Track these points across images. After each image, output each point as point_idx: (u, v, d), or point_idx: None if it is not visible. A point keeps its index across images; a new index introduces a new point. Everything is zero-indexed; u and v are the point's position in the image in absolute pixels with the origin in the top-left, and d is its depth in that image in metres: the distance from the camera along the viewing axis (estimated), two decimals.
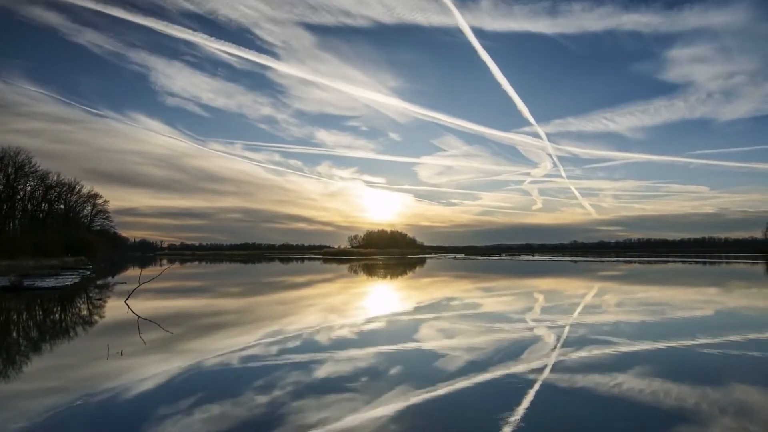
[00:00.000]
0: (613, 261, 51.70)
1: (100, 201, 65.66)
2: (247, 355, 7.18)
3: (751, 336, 8.38)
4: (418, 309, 12.40)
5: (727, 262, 44.10)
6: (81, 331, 9.70)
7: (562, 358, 6.87)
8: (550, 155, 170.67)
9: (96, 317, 11.65)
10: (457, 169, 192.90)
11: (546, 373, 6.10)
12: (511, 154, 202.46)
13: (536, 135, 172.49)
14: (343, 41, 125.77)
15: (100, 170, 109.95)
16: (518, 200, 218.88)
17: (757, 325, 9.66)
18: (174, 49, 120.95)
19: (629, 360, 6.74)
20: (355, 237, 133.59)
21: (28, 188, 52.02)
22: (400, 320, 10.62)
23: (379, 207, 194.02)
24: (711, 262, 44.13)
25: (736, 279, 23.12)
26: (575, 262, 51.09)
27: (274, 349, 7.67)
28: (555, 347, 7.57)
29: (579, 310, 11.76)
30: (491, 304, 13.44)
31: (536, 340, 8.24)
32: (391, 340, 8.31)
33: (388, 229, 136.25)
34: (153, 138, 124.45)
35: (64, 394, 5.27)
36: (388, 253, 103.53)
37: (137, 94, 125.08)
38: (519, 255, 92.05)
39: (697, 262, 44.08)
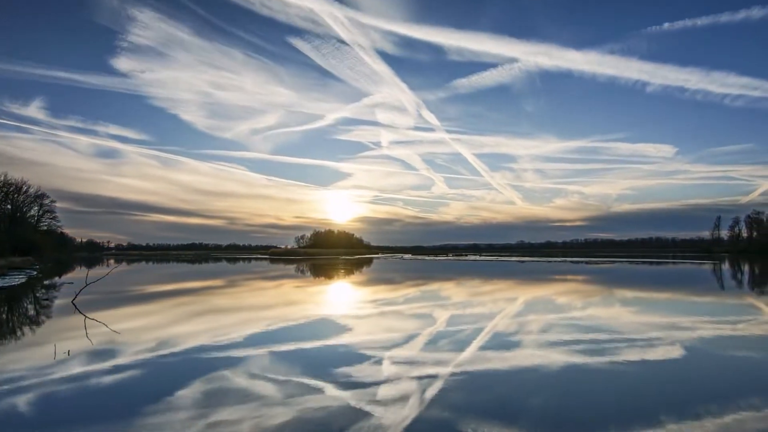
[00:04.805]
0: (560, 261, 49.21)
1: (47, 201, 63.78)
2: None
3: (750, 411, 4.56)
4: (247, 340, 8.11)
5: (673, 263, 42.36)
6: (28, 331, 9.17)
7: None
8: (370, 51, 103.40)
9: (43, 317, 11.03)
10: (236, 107, 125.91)
11: None
12: (286, 51, 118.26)
13: None
14: None
15: None
16: (409, 181, 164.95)
17: (747, 380, 5.94)
18: None
19: None
20: (302, 237, 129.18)
21: None
22: (190, 363, 6.26)
23: (223, 189, 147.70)
24: (659, 262, 42.19)
25: (693, 286, 20.22)
26: (522, 262, 48.33)
27: None
28: None
29: (479, 343, 7.76)
30: (366, 328, 9.35)
31: (357, 423, 4.10)
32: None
33: (335, 230, 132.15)
34: None
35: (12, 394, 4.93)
36: (335, 253, 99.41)
37: None
38: (466, 255, 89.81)
39: (644, 262, 42.02)
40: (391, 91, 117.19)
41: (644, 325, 9.05)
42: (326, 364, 6.28)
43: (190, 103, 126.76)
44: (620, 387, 5.25)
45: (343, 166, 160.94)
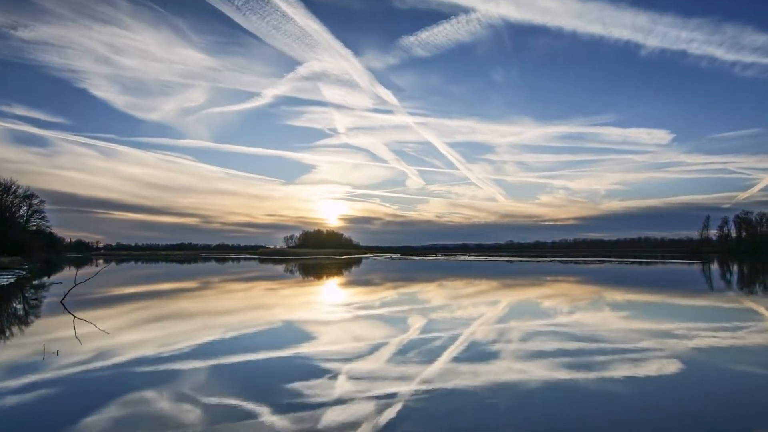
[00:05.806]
0: (549, 261, 48.63)
1: (35, 201, 63.19)
2: None
3: None
4: (194, 350, 7.22)
5: (663, 263, 41.94)
6: (17, 331, 9.02)
7: None
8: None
9: (32, 317, 10.86)
10: (152, 81, 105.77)
11: None
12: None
13: None
14: None
15: None
16: (380, 174, 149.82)
17: (752, 400, 5.17)
18: None
19: None
20: (291, 237, 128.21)
21: None
22: (114, 379, 5.36)
23: (180, 183, 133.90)
24: (648, 263, 41.72)
25: (684, 288, 19.60)
26: (511, 262, 47.69)
27: None
28: None
29: (452, 354, 6.94)
30: (332, 336, 8.54)
31: None
32: None
33: (324, 230, 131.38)
34: None
35: None
36: (324, 253, 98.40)
37: None
38: (455, 255, 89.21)
39: (633, 263, 41.51)
40: (332, 58, 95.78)
41: (636, 333, 8.28)
42: (274, 381, 5.43)
43: (95, 75, 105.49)
44: (610, 409, 4.46)
45: (304, 157, 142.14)
